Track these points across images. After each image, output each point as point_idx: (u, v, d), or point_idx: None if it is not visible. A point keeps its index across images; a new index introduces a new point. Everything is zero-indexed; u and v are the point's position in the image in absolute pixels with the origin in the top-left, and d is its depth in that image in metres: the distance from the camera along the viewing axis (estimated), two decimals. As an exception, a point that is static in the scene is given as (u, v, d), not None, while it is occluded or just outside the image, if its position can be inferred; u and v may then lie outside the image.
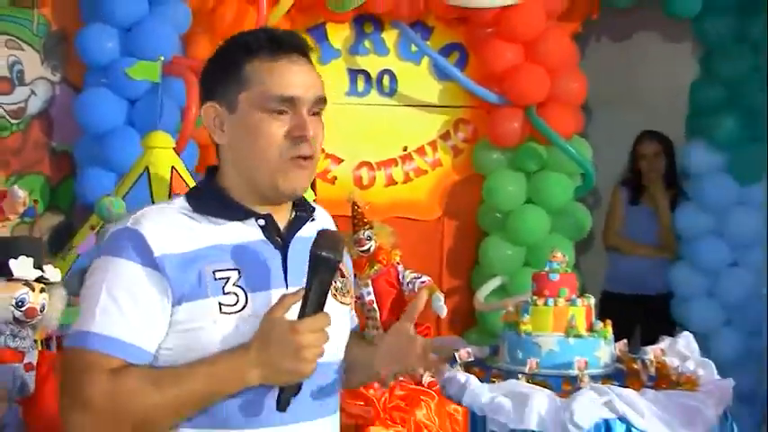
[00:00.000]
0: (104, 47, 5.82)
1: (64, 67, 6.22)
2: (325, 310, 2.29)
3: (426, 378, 4.76)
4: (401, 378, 4.45)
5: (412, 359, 2.50)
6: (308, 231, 2.41)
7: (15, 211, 4.83)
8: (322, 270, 2.26)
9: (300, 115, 2.36)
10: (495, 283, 6.65)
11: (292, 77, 2.38)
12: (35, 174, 6.17)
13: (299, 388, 2.28)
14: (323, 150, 6.29)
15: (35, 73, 6.19)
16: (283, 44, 2.42)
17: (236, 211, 2.41)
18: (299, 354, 2.20)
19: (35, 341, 3.57)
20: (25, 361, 3.54)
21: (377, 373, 2.62)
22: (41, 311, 3.53)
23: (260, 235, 2.41)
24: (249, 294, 2.33)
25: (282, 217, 2.46)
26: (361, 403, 4.25)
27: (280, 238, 2.42)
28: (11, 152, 6.12)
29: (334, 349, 2.43)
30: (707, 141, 6.94)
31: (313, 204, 2.58)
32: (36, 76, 6.19)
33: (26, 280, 3.53)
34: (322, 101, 2.42)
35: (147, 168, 5.16)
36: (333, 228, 2.61)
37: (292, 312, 2.23)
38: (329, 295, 2.37)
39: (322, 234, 2.30)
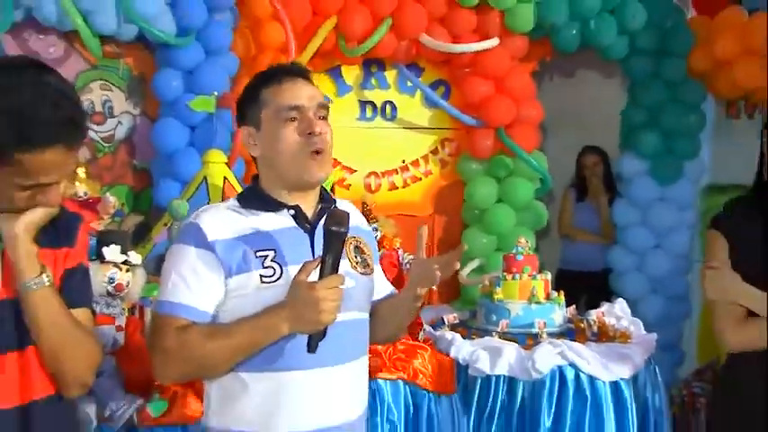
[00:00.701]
0: (172, 86, 5.84)
1: (142, 102, 6.23)
2: (347, 278, 2.31)
3: (422, 335, 4.80)
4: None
5: (431, 275, 2.48)
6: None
7: (107, 213, 4.89)
8: (333, 241, 2.28)
9: (308, 118, 2.42)
10: (474, 263, 6.63)
11: (296, 92, 2.44)
12: (122, 185, 6.22)
13: (323, 334, 2.28)
14: (339, 163, 6.48)
15: (121, 108, 6.22)
16: (288, 71, 2.50)
17: (271, 205, 2.45)
18: (318, 306, 2.22)
19: (123, 309, 3.64)
20: (116, 324, 3.62)
21: (408, 311, 2.65)
22: (127, 287, 3.61)
23: (291, 222, 2.44)
24: (284, 268, 2.36)
25: (310, 208, 2.48)
26: (371, 355, 4.25)
27: (308, 224, 2.45)
28: (104, 168, 6.16)
29: (356, 307, 2.46)
30: (634, 153, 7.02)
31: (335, 198, 2.59)
32: (122, 111, 6.22)
33: (115, 262, 3.61)
34: (324, 106, 2.47)
35: (205, 179, 5.19)
36: (360, 218, 2.69)
37: (314, 276, 2.26)
38: (350, 266, 2.45)
39: (331, 213, 2.34)
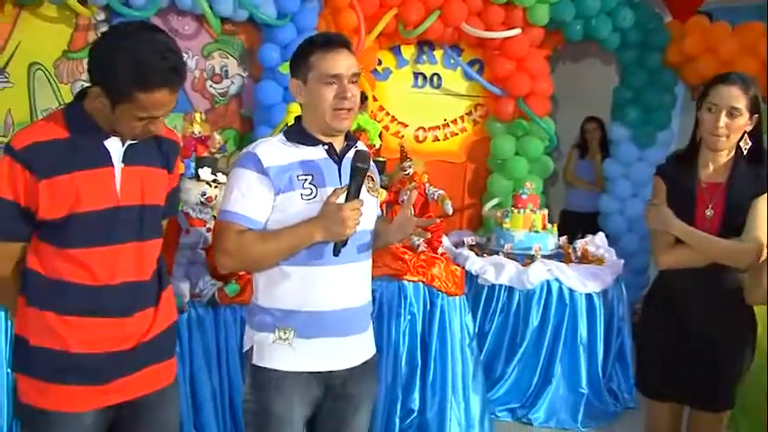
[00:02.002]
0: (272, 56, 5.86)
1: (250, 68, 6.25)
2: (361, 198, 2.35)
3: (440, 249, 4.81)
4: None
5: (408, 229, 2.54)
6: (352, 153, 2.43)
7: (214, 147, 4.92)
8: (357, 173, 2.33)
9: (343, 84, 2.39)
10: (495, 201, 6.67)
11: (337, 62, 2.40)
12: (232, 128, 6.27)
13: (345, 242, 2.34)
14: (394, 119, 6.44)
15: (234, 71, 6.23)
16: (332, 41, 2.44)
17: (311, 141, 2.45)
18: (344, 222, 2.28)
19: (212, 216, 3.67)
20: (206, 226, 3.65)
21: (388, 241, 2.65)
22: (215, 199, 3.63)
23: (325, 155, 2.44)
24: (319, 189, 2.38)
25: (338, 144, 2.48)
26: (400, 262, 4.25)
27: (337, 156, 2.45)
28: (219, 116, 6.20)
29: (367, 220, 2.47)
30: (621, 122, 6.93)
31: (356, 139, 2.57)
32: (234, 73, 6.24)
33: (207, 180, 3.65)
34: (356, 74, 2.43)
35: (286, 124, 5.21)
36: (366, 151, 2.66)
37: (341, 199, 2.32)
38: (364, 190, 2.43)
39: (357, 153, 2.39)
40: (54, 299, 2.20)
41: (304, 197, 2.37)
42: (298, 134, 2.47)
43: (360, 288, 2.52)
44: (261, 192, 2.36)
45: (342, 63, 2.41)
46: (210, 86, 6.17)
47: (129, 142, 2.24)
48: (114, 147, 2.22)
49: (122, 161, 2.23)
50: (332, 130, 2.44)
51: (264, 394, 2.42)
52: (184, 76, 2.17)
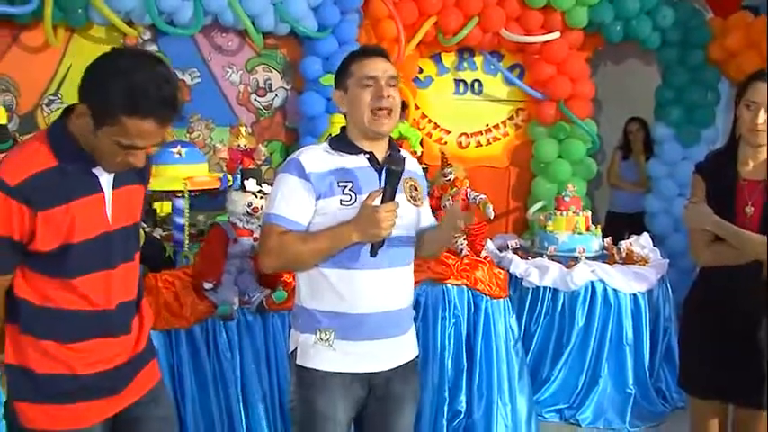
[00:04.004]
0: (314, 68, 6.00)
1: (293, 80, 6.38)
2: (401, 207, 2.39)
3: (483, 253, 4.86)
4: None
5: (456, 222, 2.52)
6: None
7: (260, 159, 5.03)
8: (392, 176, 2.37)
9: (380, 85, 2.46)
10: (539, 204, 6.69)
11: (373, 66, 2.48)
12: (277, 140, 6.42)
13: (382, 243, 2.40)
14: (437, 126, 6.51)
15: (277, 84, 6.39)
16: (369, 51, 2.56)
17: (353, 149, 2.51)
18: (378, 224, 2.32)
19: (258, 226, 3.72)
20: (254, 236, 3.74)
21: (442, 238, 2.69)
22: (261, 209, 3.69)
23: (366, 163, 2.50)
24: (357, 195, 2.44)
25: (381, 153, 2.52)
26: (443, 266, 4.29)
27: (378, 165, 2.50)
28: (264, 128, 6.36)
29: (405, 227, 2.51)
30: (665, 122, 6.90)
31: (401, 150, 2.61)
32: (278, 86, 6.39)
33: (253, 192, 3.73)
34: (394, 77, 2.50)
35: (330, 135, 5.29)
36: (417, 167, 2.74)
37: (377, 202, 2.36)
38: (406, 199, 2.51)
39: (390, 156, 2.45)
40: (51, 327, 2.17)
41: (343, 203, 2.43)
42: (341, 143, 2.54)
43: (398, 292, 2.56)
44: (302, 196, 2.44)
45: (378, 66, 2.49)
46: (255, 100, 6.33)
47: None
48: (103, 174, 2.16)
49: (112, 186, 2.19)
50: (372, 134, 2.50)
51: (309, 393, 2.50)
52: (177, 110, 2.06)
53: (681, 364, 3.38)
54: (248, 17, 5.64)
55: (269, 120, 6.40)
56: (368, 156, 2.52)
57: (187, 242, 4.17)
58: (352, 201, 2.44)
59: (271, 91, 6.37)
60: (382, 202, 2.36)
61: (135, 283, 2.37)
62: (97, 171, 2.14)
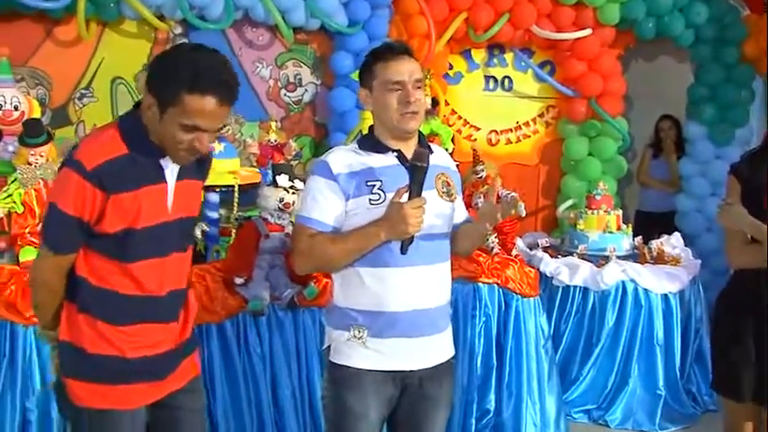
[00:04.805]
0: (344, 64, 5.99)
1: (323, 76, 6.38)
2: (432, 203, 2.40)
3: (514, 251, 4.84)
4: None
5: (495, 214, 2.53)
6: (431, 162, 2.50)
7: (290, 154, 5.03)
8: (416, 172, 2.39)
9: (407, 89, 2.45)
10: (569, 202, 6.66)
11: (400, 68, 2.46)
12: (307, 135, 6.41)
13: (411, 240, 2.38)
14: (466, 122, 6.50)
15: (307, 80, 6.38)
16: (393, 49, 2.51)
17: (381, 148, 2.52)
18: (406, 220, 2.32)
19: (290, 221, 3.76)
20: (285, 231, 3.75)
21: (479, 236, 2.71)
22: (292, 205, 3.73)
23: (395, 161, 2.50)
24: (386, 194, 2.42)
25: (409, 151, 2.50)
26: (475, 264, 4.32)
27: (407, 163, 2.48)
28: (294, 123, 6.36)
29: (438, 223, 2.50)
30: (697, 120, 6.80)
31: (430, 144, 2.62)
32: (308, 81, 6.39)
33: (284, 187, 3.74)
34: (420, 80, 2.49)
35: (361, 131, 5.29)
36: (450, 161, 2.73)
37: (405, 199, 2.35)
38: (438, 195, 2.51)
39: (415, 152, 2.45)
40: (104, 308, 2.26)
41: (372, 202, 2.43)
42: (369, 142, 2.54)
43: (433, 290, 2.55)
44: (330, 197, 2.45)
45: (404, 69, 2.46)
46: (285, 95, 6.33)
47: None
48: (169, 165, 2.27)
49: (176, 178, 2.29)
50: (401, 132, 2.50)
51: (341, 390, 2.50)
52: (235, 93, 2.17)
53: (714, 366, 3.35)
54: (279, 12, 5.65)
55: (298, 115, 6.40)
56: (396, 154, 2.52)
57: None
58: (382, 200, 2.43)
59: (301, 86, 6.37)
60: (409, 198, 2.36)
61: (186, 274, 2.45)
62: (164, 162, 2.25)
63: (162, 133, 2.16)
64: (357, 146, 2.55)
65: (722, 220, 3.10)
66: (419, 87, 2.49)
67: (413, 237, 2.39)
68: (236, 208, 4.06)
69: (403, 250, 2.41)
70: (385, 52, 2.51)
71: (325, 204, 2.46)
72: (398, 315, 2.47)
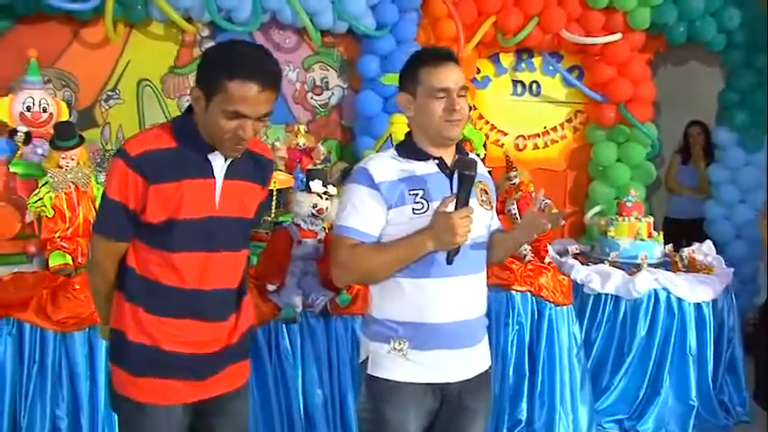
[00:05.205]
0: (371, 67, 5.95)
1: (349, 79, 6.34)
2: (475, 212, 2.32)
3: (547, 259, 4.78)
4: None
5: (538, 226, 2.51)
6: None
7: (319, 158, 5.00)
8: (465, 182, 2.31)
9: (452, 98, 2.39)
10: (597, 209, 6.52)
11: (446, 76, 2.40)
12: (333, 139, 6.37)
13: (457, 251, 2.33)
14: (494, 127, 6.44)
15: (334, 83, 6.35)
16: (439, 55, 2.44)
17: (422, 155, 2.44)
18: (454, 230, 2.26)
19: (323, 228, 3.72)
20: (318, 237, 3.71)
21: (514, 246, 2.68)
22: (326, 211, 3.68)
23: (436, 169, 2.43)
24: (429, 203, 2.37)
25: (449, 158, 2.47)
26: (508, 272, 4.27)
27: (448, 170, 2.44)
28: (321, 126, 6.31)
29: (479, 232, 2.46)
30: (728, 126, 6.69)
31: (468, 152, 2.56)
32: (335, 85, 6.35)
33: (318, 193, 3.68)
34: (465, 88, 2.43)
35: (390, 135, 5.26)
36: (483, 169, 2.64)
37: (450, 208, 2.29)
38: (478, 203, 2.44)
39: (462, 160, 2.38)
40: (147, 298, 2.30)
41: (416, 211, 2.37)
42: (408, 149, 2.47)
43: (474, 301, 2.52)
44: (373, 206, 2.38)
45: (450, 77, 2.41)
46: (311, 98, 6.29)
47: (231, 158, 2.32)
48: (217, 161, 2.30)
49: (225, 176, 2.31)
50: (444, 139, 2.45)
51: (380, 404, 2.44)
52: (277, 79, 2.22)
53: (758, 379, 3.26)
54: (307, 14, 5.60)
55: (325, 118, 6.36)
56: (437, 161, 2.45)
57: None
58: (425, 209, 2.38)
59: (327, 89, 6.33)
60: (456, 207, 2.30)
61: (237, 275, 2.44)
62: (212, 158, 2.30)
63: (209, 124, 2.22)
64: (396, 153, 2.48)
65: (766, 233, 3.02)
66: (463, 95, 2.44)
67: (459, 247, 2.33)
68: (273, 212, 4.00)
69: (449, 261, 2.35)
70: (431, 58, 2.44)
71: (367, 214, 2.39)
72: (440, 326, 2.42)
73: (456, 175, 2.40)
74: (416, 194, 2.39)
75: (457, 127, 2.44)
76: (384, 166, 2.42)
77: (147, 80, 5.86)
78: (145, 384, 2.31)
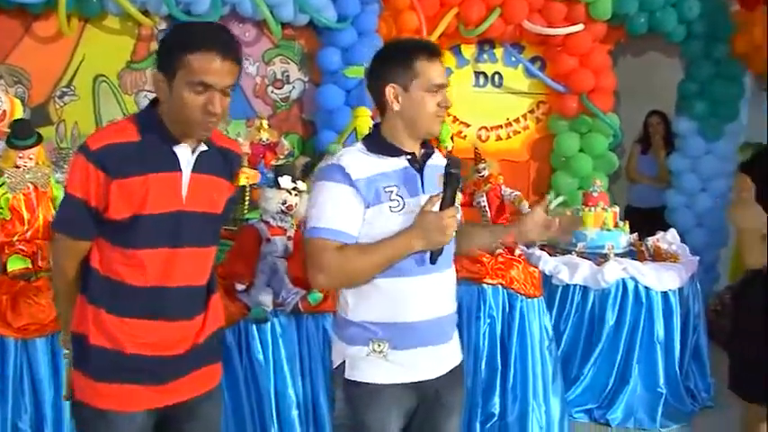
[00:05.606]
0: (333, 60, 5.85)
1: (310, 72, 6.23)
2: (458, 209, 2.34)
3: (517, 251, 4.74)
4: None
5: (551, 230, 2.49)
6: (431, 161, 2.40)
7: (283, 153, 4.91)
8: (453, 180, 2.27)
9: (443, 93, 2.35)
10: (560, 199, 6.54)
11: (441, 71, 2.36)
12: (294, 133, 6.26)
13: (441, 250, 2.30)
14: (456, 119, 6.41)
15: (295, 76, 6.24)
16: (436, 51, 2.38)
17: (394, 151, 2.36)
18: (444, 230, 2.23)
19: (292, 224, 3.61)
20: (287, 235, 3.60)
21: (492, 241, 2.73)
22: (295, 207, 3.57)
23: (406, 164, 2.35)
24: (404, 200, 2.30)
25: (418, 153, 2.40)
26: (478, 265, 4.20)
27: (418, 165, 2.38)
28: (281, 121, 6.20)
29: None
30: (687, 116, 6.74)
31: (432, 146, 2.48)
32: (295, 78, 6.24)
33: (287, 189, 3.56)
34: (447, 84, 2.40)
35: (354, 128, 5.19)
36: (443, 161, 2.56)
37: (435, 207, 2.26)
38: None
39: (450, 159, 2.31)
40: (110, 299, 2.21)
41: (393, 209, 2.30)
42: (379, 144, 2.38)
43: (448, 296, 2.48)
44: (353, 205, 2.28)
45: (443, 71, 2.38)
46: (272, 92, 6.18)
47: (199, 150, 2.23)
48: (184, 153, 2.21)
49: (192, 169, 2.23)
50: (429, 135, 2.40)
51: (360, 408, 2.37)
52: (237, 50, 2.16)
53: (734, 368, 3.25)
54: (267, 7, 5.48)
55: (286, 112, 6.25)
56: (409, 157, 2.38)
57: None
58: (401, 206, 2.31)
59: (288, 83, 6.23)
60: (441, 207, 2.25)
61: (204, 272, 2.34)
62: (179, 150, 2.21)
63: (175, 107, 2.15)
64: (364, 147, 2.38)
65: (738, 221, 3.03)
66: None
67: (443, 246, 2.30)
68: (246, 209, 3.88)
69: (433, 260, 2.32)
70: (428, 50, 2.37)
71: (348, 213, 2.28)
72: (418, 325, 2.37)
73: (428, 173, 2.37)
74: (391, 192, 2.31)
75: (442, 123, 2.41)
76: (358, 162, 2.32)
77: (104, 76, 5.69)
78: (106, 390, 2.22)
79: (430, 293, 2.40)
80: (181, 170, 2.21)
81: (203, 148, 2.26)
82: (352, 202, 2.28)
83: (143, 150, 2.16)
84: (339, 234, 2.27)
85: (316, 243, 2.29)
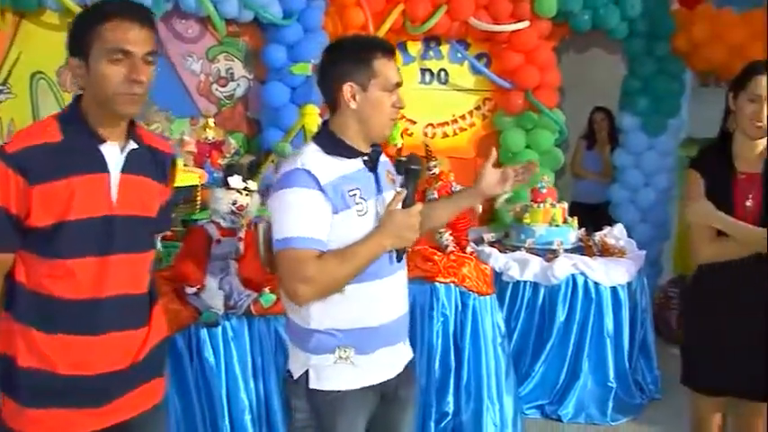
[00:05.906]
0: (278, 57, 5.73)
1: (255, 69, 6.10)
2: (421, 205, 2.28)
3: (469, 249, 4.72)
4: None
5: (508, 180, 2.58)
6: (382, 159, 2.39)
7: (229, 152, 4.83)
8: (413, 177, 2.26)
9: (397, 93, 2.30)
10: (506, 195, 6.56)
11: (397, 71, 2.32)
12: (239, 131, 6.10)
13: (405, 248, 2.31)
14: (403, 116, 6.35)
15: (239, 73, 6.08)
16: (392, 49, 2.33)
17: (352, 152, 2.29)
18: (414, 228, 2.21)
19: (242, 225, 3.52)
20: (238, 235, 3.50)
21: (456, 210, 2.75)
22: (246, 207, 3.48)
23: (361, 165, 2.31)
24: (366, 202, 2.26)
25: (368, 152, 2.36)
26: (430, 264, 4.17)
27: (372, 165, 2.34)
28: (226, 119, 6.02)
29: None
30: (630, 112, 6.81)
31: (379, 145, 2.41)
32: (240, 75, 6.08)
33: (237, 189, 3.46)
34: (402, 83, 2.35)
35: (302, 127, 5.12)
36: (416, 154, 2.56)
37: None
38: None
39: (410, 156, 2.31)
40: (39, 315, 2.05)
41: (360, 214, 2.25)
42: (335, 145, 2.30)
43: (404, 295, 2.47)
44: (324, 211, 2.20)
45: (398, 70, 2.34)
46: (216, 90, 6.03)
47: (128, 148, 2.11)
48: (111, 153, 2.09)
49: (121, 169, 2.10)
50: (382, 137, 2.35)
51: (327, 417, 2.31)
52: (150, 17, 2.08)
53: (685, 361, 3.27)
54: (211, 3, 5.35)
55: (230, 110, 6.09)
56: (366, 158, 2.33)
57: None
58: (365, 209, 2.27)
59: (233, 80, 6.07)
60: (404, 204, 2.23)
61: (141, 280, 2.21)
62: (105, 150, 2.09)
63: (96, 84, 2.03)
64: (319, 148, 2.29)
65: (690, 216, 3.05)
66: None
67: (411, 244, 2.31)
68: (198, 209, 3.76)
69: (399, 258, 2.33)
70: (386, 49, 2.32)
71: (320, 220, 2.19)
72: (382, 327, 2.35)
73: (381, 173, 2.36)
74: (355, 195, 2.25)
75: (394, 126, 2.38)
76: (322, 165, 2.23)
77: (42, 73, 5.48)
78: (37, 416, 2.06)
79: (394, 294, 2.38)
80: (108, 171, 2.08)
81: (133, 146, 2.13)
82: (322, 207, 2.19)
83: (65, 151, 2.02)
84: (317, 243, 2.18)
85: (294, 254, 2.17)
